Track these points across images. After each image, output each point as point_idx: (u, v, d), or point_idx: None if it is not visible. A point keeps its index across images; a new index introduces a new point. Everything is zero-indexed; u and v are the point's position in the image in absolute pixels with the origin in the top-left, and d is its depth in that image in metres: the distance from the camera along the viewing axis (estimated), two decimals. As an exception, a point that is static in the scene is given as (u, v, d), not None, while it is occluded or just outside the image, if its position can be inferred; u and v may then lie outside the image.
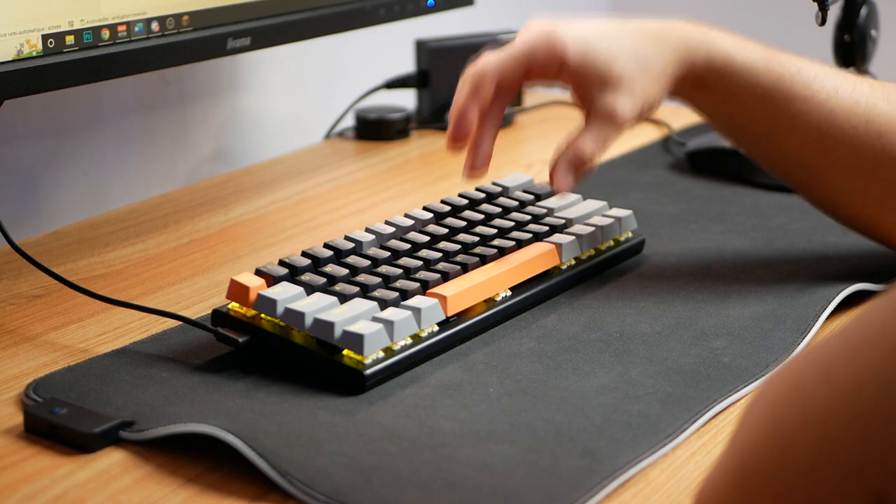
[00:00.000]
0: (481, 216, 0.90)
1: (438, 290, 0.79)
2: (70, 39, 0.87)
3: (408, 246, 0.84)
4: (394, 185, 1.17)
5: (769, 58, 0.86)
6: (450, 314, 0.78)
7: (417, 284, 0.79)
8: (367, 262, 0.81)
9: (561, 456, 0.66)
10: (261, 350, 0.76)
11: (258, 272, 0.78)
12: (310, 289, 0.77)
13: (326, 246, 0.83)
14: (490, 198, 0.94)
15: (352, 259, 0.82)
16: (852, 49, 1.19)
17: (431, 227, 0.87)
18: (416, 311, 0.76)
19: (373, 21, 1.12)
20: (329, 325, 0.73)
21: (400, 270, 0.81)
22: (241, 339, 0.76)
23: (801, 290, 0.86)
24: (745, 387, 0.74)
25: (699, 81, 0.86)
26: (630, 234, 0.94)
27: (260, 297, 0.76)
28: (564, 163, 0.84)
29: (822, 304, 0.84)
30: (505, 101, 0.85)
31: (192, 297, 0.90)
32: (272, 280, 0.78)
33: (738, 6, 1.76)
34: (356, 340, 0.73)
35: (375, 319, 0.75)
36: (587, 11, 1.82)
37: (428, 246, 0.85)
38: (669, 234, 0.99)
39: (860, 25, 1.19)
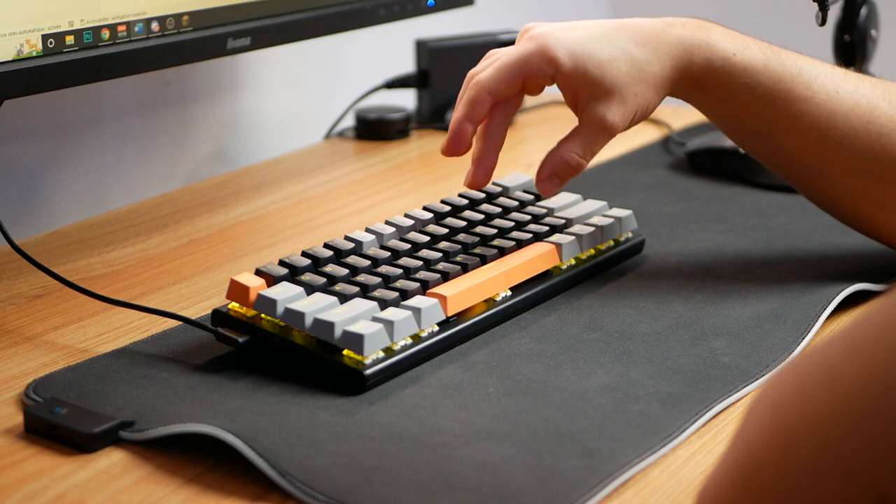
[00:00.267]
0: (481, 216, 0.90)
1: (438, 290, 0.79)
2: (70, 39, 0.87)
3: (408, 246, 0.84)
4: (394, 185, 1.17)
5: (770, 57, 0.86)
6: (450, 314, 0.78)
7: (417, 284, 0.79)
8: (367, 262, 0.81)
9: (561, 456, 0.66)
10: (261, 350, 0.76)
11: (258, 272, 0.78)
12: (310, 289, 0.77)
13: (326, 246, 0.83)
14: (490, 198, 0.94)
15: (352, 259, 0.82)
16: (852, 49, 1.19)
17: (431, 227, 0.87)
18: (416, 311, 0.76)
19: (373, 21, 1.12)
20: (329, 325, 0.73)
21: (400, 270, 0.81)
22: (241, 339, 0.76)
23: (801, 290, 0.86)
24: (745, 387, 0.74)
25: (697, 82, 0.86)
26: (630, 234, 0.94)
27: (260, 297, 0.76)
28: (549, 168, 0.85)
29: (822, 304, 0.84)
30: (505, 113, 0.86)
31: (192, 297, 0.90)
32: (272, 280, 0.78)
33: (738, 6, 1.76)
34: (356, 340, 0.73)
35: (375, 319, 0.75)
36: (587, 10, 1.83)
37: (428, 246, 0.85)
38: (669, 234, 0.99)
39: (860, 25, 1.19)
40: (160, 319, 0.83)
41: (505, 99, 0.85)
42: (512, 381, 0.74)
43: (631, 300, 0.86)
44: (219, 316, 0.77)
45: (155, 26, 0.93)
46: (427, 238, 0.86)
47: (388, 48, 1.44)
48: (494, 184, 0.96)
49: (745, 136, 0.90)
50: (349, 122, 1.34)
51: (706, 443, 0.69)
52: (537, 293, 0.85)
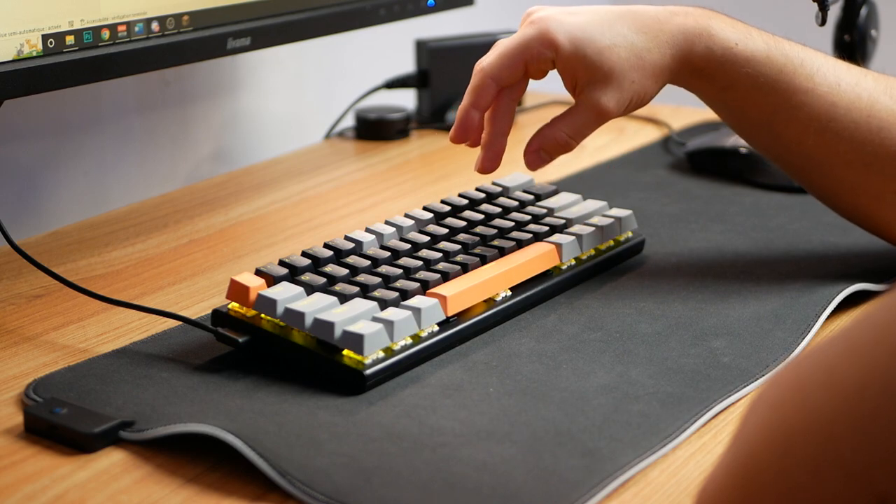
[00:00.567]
0: (481, 216, 0.90)
1: (438, 290, 0.79)
2: (70, 39, 0.87)
3: (408, 246, 0.84)
4: (394, 185, 1.17)
5: (772, 47, 0.86)
6: (450, 314, 0.78)
7: (417, 284, 0.79)
8: (367, 262, 0.81)
9: (561, 456, 0.66)
10: (261, 350, 0.76)
11: (258, 272, 0.78)
12: (310, 289, 0.77)
13: (326, 246, 0.83)
14: (490, 198, 0.94)
15: (352, 259, 0.82)
16: (852, 49, 1.19)
17: (431, 227, 0.87)
18: (416, 311, 0.76)
19: (373, 21, 1.12)
20: (329, 325, 0.73)
21: (400, 270, 0.81)
22: (241, 339, 0.76)
23: (801, 290, 0.86)
24: (745, 387, 0.74)
25: (698, 71, 0.86)
26: (630, 234, 0.94)
27: (260, 297, 0.76)
28: (538, 143, 0.87)
29: (822, 304, 0.84)
30: (511, 98, 0.87)
31: (192, 297, 0.90)
32: (272, 280, 0.78)
33: (738, 6, 1.76)
34: (356, 340, 0.73)
35: (375, 319, 0.75)
36: (587, 3, 1.82)
37: (428, 246, 0.85)
38: (669, 234, 0.99)
39: (860, 25, 1.19)
40: (160, 319, 0.83)
41: (509, 84, 0.86)
42: (512, 381, 0.74)
43: (631, 300, 0.86)
44: (219, 316, 0.77)
45: (155, 26, 0.93)
46: (427, 238, 0.86)
47: (388, 48, 1.44)
48: (494, 184, 0.96)
49: (745, 126, 0.90)
50: (349, 122, 1.34)
51: (706, 443, 0.69)
52: (537, 293, 0.85)
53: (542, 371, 0.75)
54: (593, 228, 0.90)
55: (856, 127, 0.85)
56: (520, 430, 0.68)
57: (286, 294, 0.76)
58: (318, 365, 0.74)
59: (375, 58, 1.44)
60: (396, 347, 0.75)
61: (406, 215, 0.89)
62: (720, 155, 1.15)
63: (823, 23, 1.02)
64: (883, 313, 0.45)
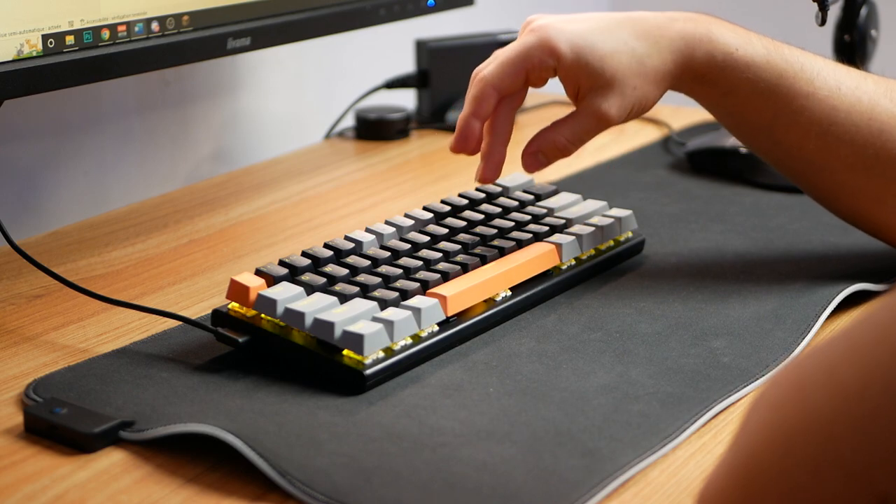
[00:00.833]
0: (481, 216, 0.90)
1: (438, 290, 0.79)
2: (70, 39, 0.87)
3: (408, 246, 0.84)
4: (394, 185, 1.17)
5: (772, 52, 0.86)
6: (450, 314, 0.78)
7: (417, 284, 0.79)
8: (367, 262, 0.81)
9: (561, 456, 0.66)
10: (261, 350, 0.76)
11: (258, 272, 0.78)
12: (310, 289, 0.77)
13: (326, 246, 0.83)
14: (490, 198, 0.94)
15: (352, 259, 0.82)
16: (852, 49, 1.19)
17: (431, 227, 0.87)
18: (416, 311, 0.76)
19: (373, 21, 1.12)
20: (329, 325, 0.73)
21: (400, 270, 0.81)
22: (241, 339, 0.76)
23: (801, 290, 0.86)
24: (745, 387, 0.74)
25: (699, 76, 0.86)
26: (630, 234, 0.94)
27: (260, 297, 0.76)
28: (536, 145, 0.87)
29: (822, 304, 0.84)
30: (511, 107, 0.87)
31: (192, 297, 0.90)
32: (272, 280, 0.78)
33: (738, 6, 1.76)
34: (356, 340, 0.73)
35: (375, 319, 0.75)
36: (586, 10, 1.82)
37: (428, 246, 0.85)
38: (669, 234, 0.99)
39: (860, 25, 1.19)
40: (160, 319, 0.83)
41: (510, 93, 0.86)
42: (512, 381, 0.74)
43: (631, 300, 0.86)
44: (219, 316, 0.77)
45: (155, 26, 0.93)
46: (427, 238, 0.86)
47: (388, 48, 1.44)
48: (494, 183, 0.96)
49: (746, 131, 0.90)
50: (349, 122, 1.34)
51: (706, 443, 0.69)
52: (537, 293, 0.85)
53: (542, 371, 0.75)
54: (593, 228, 0.90)
55: (857, 130, 0.85)
56: (520, 430, 0.68)
57: (286, 294, 0.76)
58: (318, 365, 0.74)
59: (375, 58, 1.44)
60: (396, 347, 0.75)
61: (406, 215, 0.89)
62: (720, 155, 1.15)
63: (823, 23, 1.02)
64: (883, 313, 0.45)
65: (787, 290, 0.87)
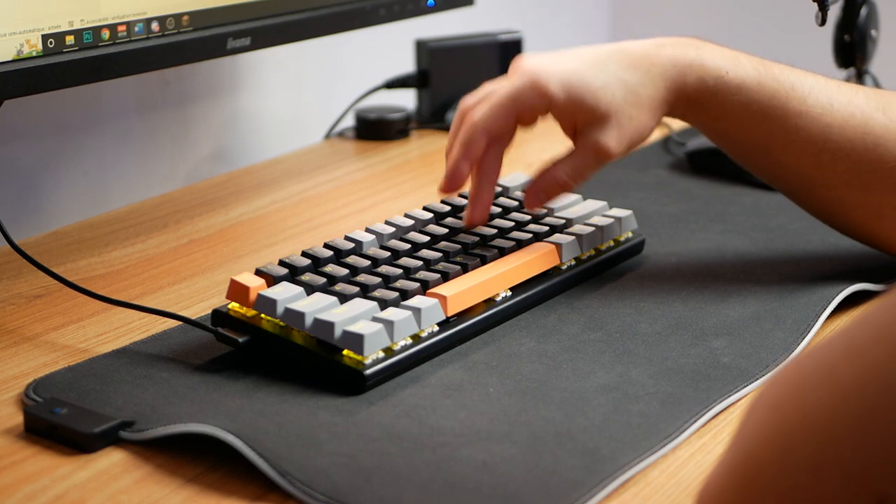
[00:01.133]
0: (481, 216, 0.90)
1: (438, 290, 0.79)
2: (70, 39, 0.87)
3: (408, 246, 0.84)
4: (394, 185, 1.17)
5: (762, 73, 0.86)
6: (450, 314, 0.78)
7: (417, 284, 0.79)
8: (367, 262, 0.81)
9: (561, 456, 0.66)
10: (261, 350, 0.76)
11: (258, 272, 0.78)
12: (310, 289, 0.77)
13: (326, 246, 0.83)
14: (490, 198, 0.94)
15: (352, 259, 0.82)
16: (852, 49, 1.19)
17: (431, 227, 0.88)
18: (416, 311, 0.76)
19: (373, 21, 1.12)
20: (329, 325, 0.73)
21: (400, 270, 0.81)
22: (241, 339, 0.76)
23: (801, 290, 0.86)
24: (745, 387, 0.74)
25: (692, 102, 0.86)
26: (630, 234, 0.94)
27: (260, 297, 0.76)
28: (540, 185, 0.86)
29: (822, 304, 0.84)
30: (500, 149, 0.86)
31: (192, 297, 0.90)
32: (272, 280, 0.78)
33: (738, 7, 1.76)
34: (356, 340, 0.73)
35: (375, 319, 0.75)
36: (586, 10, 1.82)
37: (428, 246, 0.85)
38: (669, 234, 0.99)
39: (860, 25, 1.19)
40: (160, 319, 0.83)
41: (499, 137, 0.85)
42: (512, 381, 0.74)
43: (631, 300, 0.86)
44: (219, 316, 0.77)
45: (155, 26, 0.93)
46: (427, 238, 0.86)
47: (388, 48, 1.44)
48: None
49: (742, 152, 0.90)
50: (349, 122, 1.34)
51: (706, 443, 0.69)
52: (537, 293, 0.85)
53: (542, 371, 0.75)
54: (593, 228, 0.90)
55: (851, 146, 0.86)
56: (520, 430, 0.68)
57: (286, 294, 0.76)
58: (318, 365, 0.74)
59: (375, 58, 1.44)
60: (396, 347, 0.75)
61: (406, 215, 0.89)
62: (720, 155, 1.14)
63: (823, 23, 1.02)
64: (882, 313, 0.45)
65: (787, 290, 0.87)
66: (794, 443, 0.46)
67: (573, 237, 0.89)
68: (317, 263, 0.80)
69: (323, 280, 0.78)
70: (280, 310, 0.75)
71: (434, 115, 1.34)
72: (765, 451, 0.47)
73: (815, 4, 1.01)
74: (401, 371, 0.75)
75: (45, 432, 0.69)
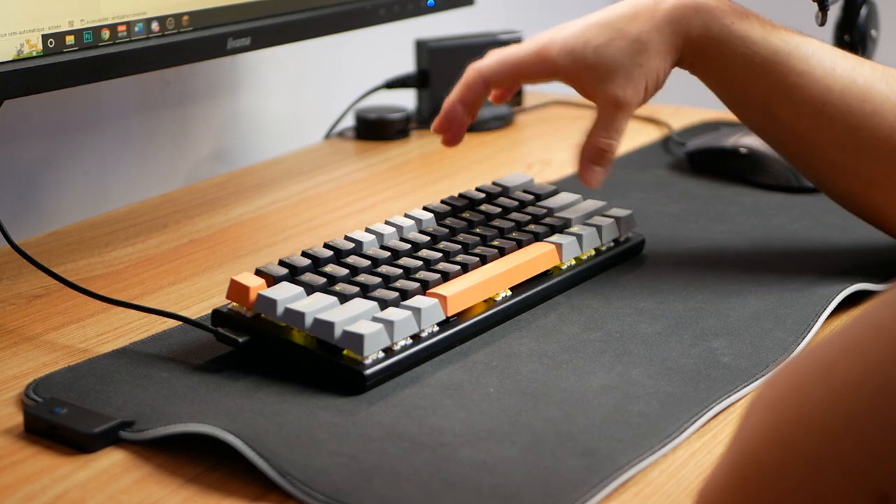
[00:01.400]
0: (481, 216, 0.90)
1: (438, 290, 0.79)
2: (70, 39, 0.87)
3: (408, 246, 0.84)
4: (394, 185, 1.17)
5: (768, 30, 0.87)
6: (450, 314, 0.78)
7: (417, 284, 0.79)
8: (367, 262, 0.81)
9: (561, 456, 0.66)
10: (261, 350, 0.76)
11: (258, 272, 0.78)
12: (310, 289, 0.77)
13: (326, 246, 0.83)
14: (490, 198, 0.94)
15: (352, 259, 0.82)
16: (852, 49, 1.19)
17: (431, 227, 0.88)
18: (416, 311, 0.76)
19: (373, 21, 1.12)
20: (329, 325, 0.73)
21: (400, 270, 0.81)
22: (241, 339, 0.76)
23: (801, 290, 0.86)
24: (745, 387, 0.74)
25: (697, 49, 0.88)
26: (630, 234, 0.94)
27: (260, 297, 0.76)
28: (585, 158, 0.89)
29: (822, 304, 0.84)
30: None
31: (192, 297, 0.90)
32: (272, 280, 0.78)
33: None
34: (356, 340, 0.73)
35: (375, 319, 0.75)
36: (586, 11, 1.82)
37: (428, 246, 0.85)
38: (669, 234, 0.99)
39: (860, 25, 1.19)
40: (160, 319, 0.83)
41: (498, 87, 0.90)
42: (512, 381, 0.74)
43: (631, 300, 0.86)
44: (219, 316, 0.77)
45: (155, 26, 0.93)
46: (427, 238, 0.86)
47: (388, 48, 1.44)
48: (494, 184, 0.96)
49: (741, 106, 0.91)
50: (349, 122, 1.34)
51: (706, 443, 0.69)
52: (537, 293, 0.85)
53: (542, 371, 0.75)
54: (593, 228, 0.90)
55: (849, 111, 0.86)
56: (520, 430, 0.68)
57: (286, 294, 0.76)
58: (318, 365, 0.74)
59: (375, 58, 1.44)
60: (396, 347, 0.75)
61: (406, 215, 0.89)
62: (720, 155, 1.15)
63: (823, 23, 1.02)
64: (880, 312, 0.45)
65: (787, 290, 0.87)
66: (793, 441, 0.46)
67: (573, 237, 0.89)
68: (317, 263, 0.80)
69: (323, 280, 0.78)
70: (280, 310, 0.75)
71: (434, 115, 1.32)
72: (764, 449, 0.47)
73: (815, 4, 1.01)
74: (401, 371, 0.75)
75: (45, 432, 0.69)
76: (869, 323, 0.46)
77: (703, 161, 1.17)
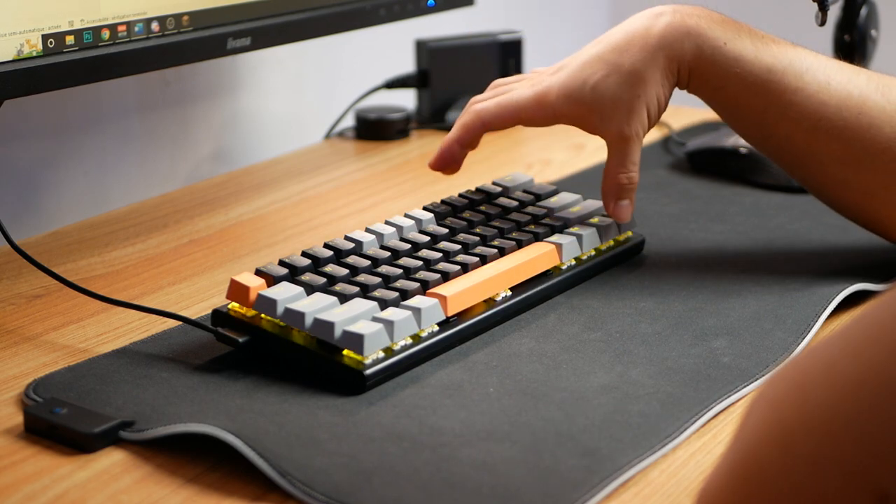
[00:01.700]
0: (481, 216, 0.90)
1: (438, 290, 0.79)
2: (70, 39, 0.87)
3: (408, 246, 0.84)
4: (394, 185, 1.17)
5: (759, 48, 0.87)
6: (450, 314, 0.78)
7: (417, 284, 0.79)
8: (367, 262, 0.81)
9: (561, 456, 0.66)
10: (261, 350, 0.76)
11: (258, 272, 0.78)
12: (310, 289, 0.77)
13: (326, 246, 0.83)
14: (490, 198, 0.94)
15: (352, 259, 0.82)
16: (852, 49, 1.19)
17: (431, 227, 0.88)
18: (416, 311, 0.76)
19: (373, 21, 1.12)
20: (329, 325, 0.73)
21: (400, 270, 0.81)
22: (241, 339, 0.76)
23: (801, 290, 0.86)
24: (745, 387, 0.74)
25: (693, 71, 0.88)
26: (630, 234, 0.94)
27: (260, 297, 0.76)
28: (610, 197, 0.90)
29: (822, 304, 0.84)
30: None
31: (192, 297, 0.90)
32: (272, 280, 0.78)
33: (738, 8, 1.76)
34: (356, 340, 0.73)
35: (375, 319, 0.75)
36: (587, 10, 1.82)
37: (428, 246, 0.85)
38: (669, 234, 0.99)
39: (860, 25, 1.19)
40: (160, 319, 0.83)
41: (496, 130, 0.91)
42: (512, 381, 0.74)
43: (631, 300, 0.86)
44: (219, 316, 0.77)
45: (155, 26, 0.93)
46: (427, 238, 0.86)
47: (388, 48, 1.44)
48: (494, 184, 0.96)
49: (739, 124, 0.91)
50: (349, 122, 1.34)
51: (706, 443, 0.69)
52: (537, 293, 0.85)
53: (542, 371, 0.75)
54: (593, 228, 0.90)
55: (845, 125, 0.86)
56: (520, 430, 0.68)
57: (286, 294, 0.76)
58: (318, 365, 0.74)
59: (375, 58, 1.44)
60: (396, 347, 0.75)
61: (406, 215, 0.89)
62: (720, 155, 1.15)
63: (823, 23, 1.02)
64: (881, 311, 0.45)
65: (787, 290, 0.87)
66: (793, 441, 0.46)
67: (573, 237, 0.89)
68: (317, 263, 0.80)
69: (323, 280, 0.78)
70: (280, 310, 0.75)
71: (434, 116, 1.34)
72: (765, 449, 0.47)
73: (815, 4, 1.01)
74: (401, 371, 0.75)
75: (45, 432, 0.69)
76: (869, 323, 0.46)
77: (703, 161, 1.17)
